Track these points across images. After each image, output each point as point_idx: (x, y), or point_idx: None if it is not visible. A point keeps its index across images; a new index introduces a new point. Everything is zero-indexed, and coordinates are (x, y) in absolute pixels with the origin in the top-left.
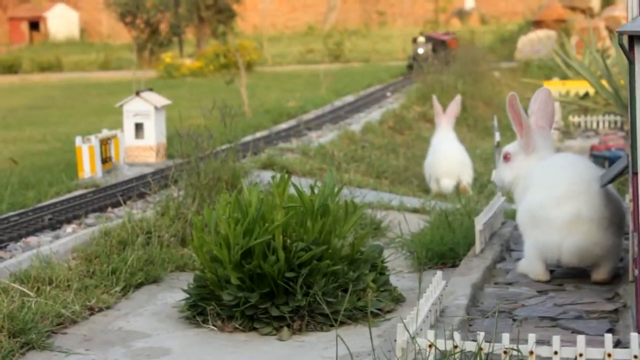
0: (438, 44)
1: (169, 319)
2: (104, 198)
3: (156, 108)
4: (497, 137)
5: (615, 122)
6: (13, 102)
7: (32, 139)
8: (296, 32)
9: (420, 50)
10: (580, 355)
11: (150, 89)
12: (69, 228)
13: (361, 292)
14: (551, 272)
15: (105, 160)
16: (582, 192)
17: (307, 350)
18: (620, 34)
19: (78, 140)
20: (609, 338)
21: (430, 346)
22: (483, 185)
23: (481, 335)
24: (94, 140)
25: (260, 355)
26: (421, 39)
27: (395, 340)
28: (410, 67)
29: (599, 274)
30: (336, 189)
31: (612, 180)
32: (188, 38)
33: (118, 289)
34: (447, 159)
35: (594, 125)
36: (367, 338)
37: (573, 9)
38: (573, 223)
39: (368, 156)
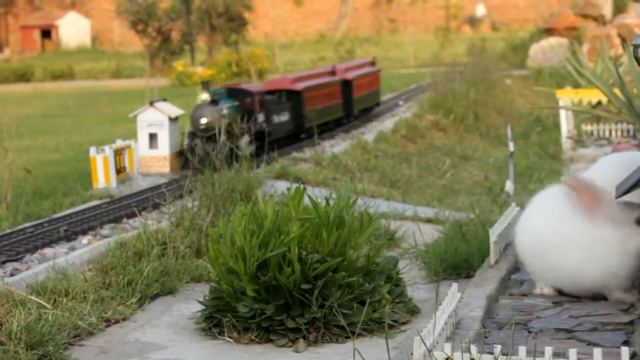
0: (255, 103)
1: (185, 331)
2: (118, 209)
3: (170, 118)
4: (511, 147)
5: (628, 131)
6: (26, 111)
7: (46, 148)
8: (307, 40)
9: (204, 120)
10: None
11: (164, 99)
12: (84, 239)
13: (376, 304)
14: None
15: (119, 170)
16: None
17: None
18: (636, 46)
19: (92, 150)
20: (625, 351)
21: (447, 359)
22: (496, 195)
23: (498, 348)
24: (108, 151)
25: None
26: (204, 97)
27: (412, 354)
28: (182, 154)
29: None
30: (351, 201)
31: (628, 191)
32: (200, 46)
33: (134, 300)
34: None
35: (607, 134)
36: (382, 350)
37: (585, 16)
38: None
39: (381, 165)
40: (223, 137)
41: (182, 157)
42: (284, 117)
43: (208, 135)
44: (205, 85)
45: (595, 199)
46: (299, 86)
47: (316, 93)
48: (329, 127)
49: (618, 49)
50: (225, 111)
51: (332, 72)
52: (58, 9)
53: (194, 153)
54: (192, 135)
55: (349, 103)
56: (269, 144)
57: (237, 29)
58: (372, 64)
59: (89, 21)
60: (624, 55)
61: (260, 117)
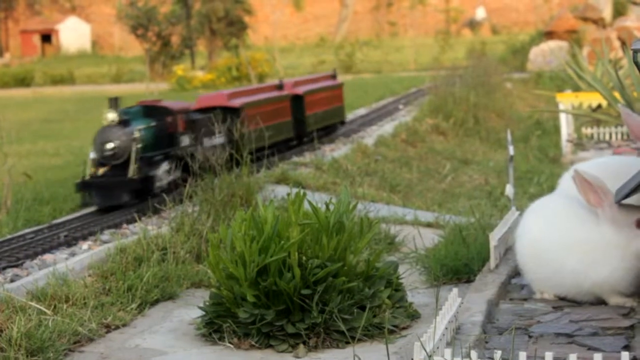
0: (177, 123)
1: (185, 336)
2: (119, 214)
3: None
4: (511, 150)
5: (628, 134)
6: (26, 116)
7: (46, 152)
8: (308, 44)
9: (110, 145)
10: None
11: None
12: (84, 245)
13: (377, 309)
14: None
15: None
16: None
17: None
18: (635, 51)
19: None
20: (625, 356)
21: None
22: (497, 199)
23: (498, 353)
24: None
25: None
26: (111, 117)
27: (412, 359)
28: (81, 186)
29: None
30: (351, 205)
31: (627, 196)
32: (200, 50)
33: (134, 306)
34: None
35: (607, 137)
36: (383, 355)
37: (585, 19)
38: None
39: (381, 170)
40: (134, 166)
41: (78, 189)
42: (218, 139)
43: (115, 163)
44: (113, 102)
45: (599, 198)
46: (237, 103)
47: (259, 110)
48: (278, 150)
49: (618, 52)
50: (137, 134)
51: (280, 87)
52: (58, 13)
53: (94, 185)
54: (98, 163)
55: (300, 121)
56: (197, 172)
57: (237, 33)
58: (333, 77)
59: (89, 26)
60: (624, 58)
61: (185, 140)
